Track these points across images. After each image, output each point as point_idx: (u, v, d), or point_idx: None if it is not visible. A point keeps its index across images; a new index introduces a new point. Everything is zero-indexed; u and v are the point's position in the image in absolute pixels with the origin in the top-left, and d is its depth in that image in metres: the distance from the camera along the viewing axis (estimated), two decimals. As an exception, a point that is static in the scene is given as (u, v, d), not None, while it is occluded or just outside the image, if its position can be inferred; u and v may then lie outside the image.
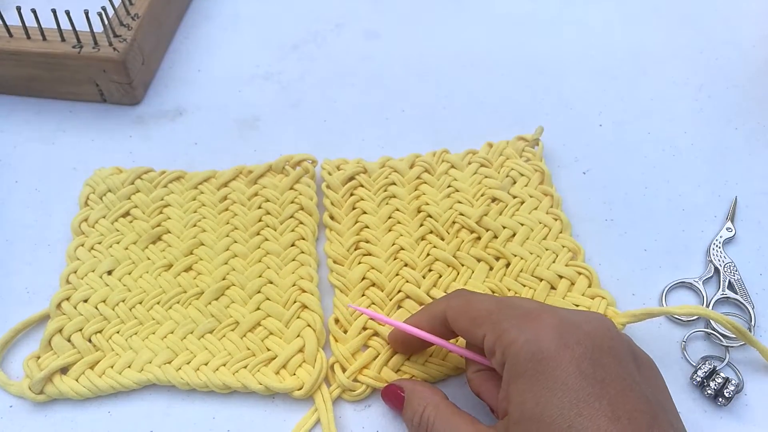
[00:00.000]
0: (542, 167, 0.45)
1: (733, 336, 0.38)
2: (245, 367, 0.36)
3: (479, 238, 0.42)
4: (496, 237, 0.42)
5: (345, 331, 0.38)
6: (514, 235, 0.42)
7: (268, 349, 0.37)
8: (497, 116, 0.50)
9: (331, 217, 0.43)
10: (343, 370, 0.36)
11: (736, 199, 0.45)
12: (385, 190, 0.44)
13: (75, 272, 0.40)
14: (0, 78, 0.50)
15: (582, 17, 0.58)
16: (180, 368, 0.36)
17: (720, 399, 0.35)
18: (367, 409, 0.36)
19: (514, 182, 0.44)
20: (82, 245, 0.41)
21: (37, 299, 0.40)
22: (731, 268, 0.41)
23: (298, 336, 0.38)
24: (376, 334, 0.37)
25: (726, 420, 0.36)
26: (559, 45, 0.56)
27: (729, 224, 0.43)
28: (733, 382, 0.36)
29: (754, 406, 0.36)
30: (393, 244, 0.41)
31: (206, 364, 0.37)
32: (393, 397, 0.35)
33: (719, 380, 0.36)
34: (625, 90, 0.52)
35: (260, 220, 0.43)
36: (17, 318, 0.38)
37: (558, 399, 0.26)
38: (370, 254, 0.41)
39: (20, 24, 0.47)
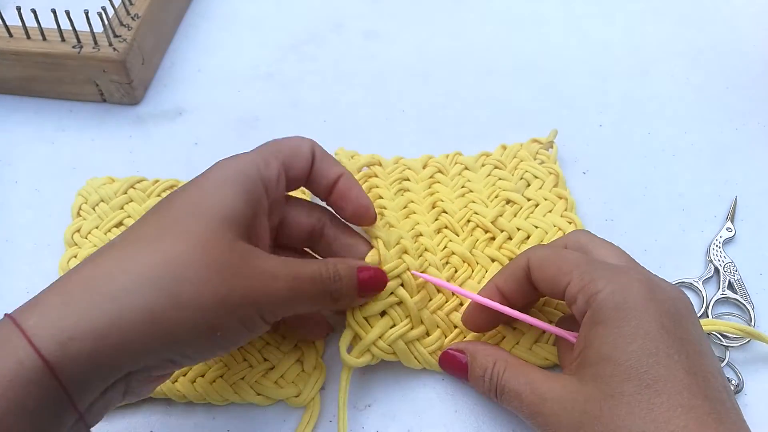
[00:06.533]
0: (556, 170, 0.44)
1: (733, 336, 0.38)
2: (242, 378, 0.36)
3: (493, 238, 0.41)
4: (510, 238, 0.41)
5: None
6: (528, 237, 0.41)
7: (266, 359, 0.37)
8: (497, 116, 0.50)
9: None
10: (359, 337, 0.35)
11: (736, 199, 0.45)
12: (400, 184, 0.44)
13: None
14: (0, 78, 0.50)
15: (582, 17, 0.58)
16: (176, 380, 0.36)
17: (720, 399, 0.36)
18: (367, 409, 0.36)
19: (528, 185, 0.44)
20: (75, 257, 0.41)
21: (37, 299, 0.40)
22: (731, 268, 0.41)
23: (295, 345, 0.37)
24: (400, 302, 0.36)
25: (726, 420, 0.36)
26: (558, 45, 0.56)
27: (729, 224, 0.43)
28: (733, 382, 0.36)
29: (754, 406, 0.36)
30: (412, 229, 0.40)
31: (203, 376, 0.36)
32: (453, 362, 0.35)
33: (719, 380, 0.36)
34: (625, 90, 0.52)
35: None
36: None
37: (638, 346, 0.27)
38: None
39: (20, 24, 0.47)
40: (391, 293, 0.35)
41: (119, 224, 0.42)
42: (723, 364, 0.37)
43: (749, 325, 0.39)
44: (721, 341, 0.38)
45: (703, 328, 0.36)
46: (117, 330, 0.25)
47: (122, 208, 0.43)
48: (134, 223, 0.29)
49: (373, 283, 0.34)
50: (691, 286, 0.41)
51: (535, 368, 0.32)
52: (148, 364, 0.27)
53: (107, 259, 0.27)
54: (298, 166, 0.34)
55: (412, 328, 0.36)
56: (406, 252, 0.37)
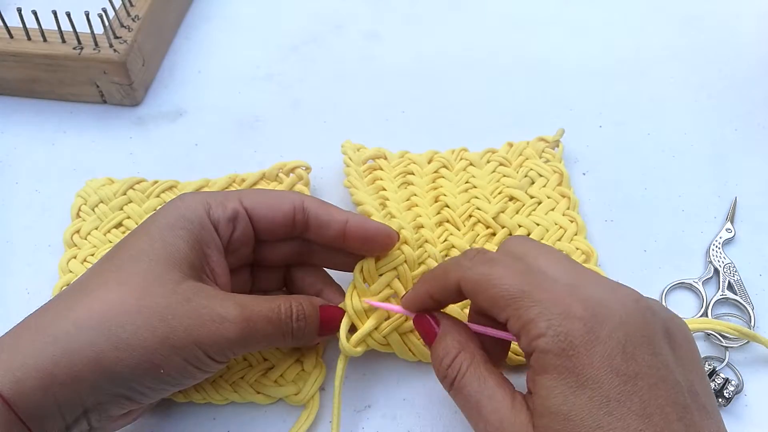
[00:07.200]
0: (561, 169, 0.45)
1: (733, 337, 0.38)
2: (242, 377, 0.36)
3: (494, 234, 0.42)
4: (510, 235, 0.41)
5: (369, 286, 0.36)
6: (529, 234, 0.41)
7: (265, 359, 0.37)
8: (497, 117, 0.50)
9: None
10: (354, 328, 0.35)
11: (735, 199, 0.45)
12: (404, 177, 0.44)
13: (68, 285, 0.39)
14: (0, 79, 0.50)
15: (582, 17, 0.58)
16: None
17: (720, 400, 0.35)
18: (367, 410, 0.36)
19: (533, 182, 0.44)
20: (74, 257, 0.41)
21: (37, 300, 0.39)
22: (731, 268, 0.41)
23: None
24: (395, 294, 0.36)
25: (726, 420, 0.35)
26: (559, 45, 0.56)
27: (729, 225, 0.43)
28: (733, 382, 0.36)
29: (754, 407, 0.36)
30: (414, 221, 0.41)
31: None
32: (426, 327, 0.32)
33: (719, 381, 0.36)
34: (625, 90, 0.52)
35: None
36: (17, 319, 0.38)
37: (587, 398, 0.25)
38: None
39: (21, 25, 0.47)
40: (388, 285, 0.36)
41: (118, 225, 0.42)
42: (722, 365, 0.37)
43: (749, 325, 0.39)
44: (721, 342, 0.38)
45: (702, 327, 0.36)
46: (62, 369, 0.27)
47: (122, 209, 0.43)
48: (87, 270, 0.32)
49: (335, 322, 0.35)
50: (690, 287, 0.41)
51: (503, 382, 0.29)
52: (99, 400, 0.28)
53: (55, 306, 0.30)
54: (268, 217, 0.34)
55: (406, 320, 0.36)
56: (406, 242, 0.37)
